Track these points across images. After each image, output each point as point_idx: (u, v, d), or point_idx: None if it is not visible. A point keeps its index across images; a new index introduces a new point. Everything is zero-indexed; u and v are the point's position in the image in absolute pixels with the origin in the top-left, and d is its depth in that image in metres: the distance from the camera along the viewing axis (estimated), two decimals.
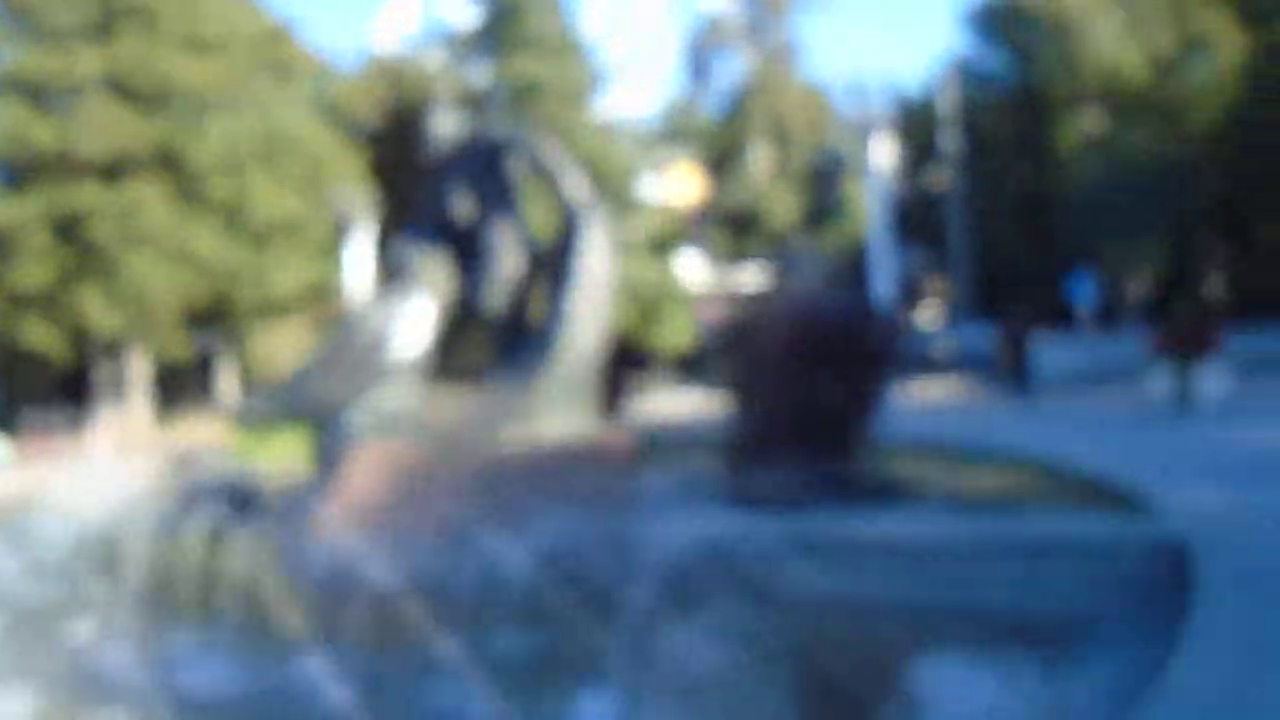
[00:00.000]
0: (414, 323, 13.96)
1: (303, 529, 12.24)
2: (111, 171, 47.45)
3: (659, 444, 19.47)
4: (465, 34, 66.09)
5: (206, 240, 46.89)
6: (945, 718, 6.99)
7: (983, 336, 51.86)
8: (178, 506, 11.52)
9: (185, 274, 46.75)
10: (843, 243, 64.18)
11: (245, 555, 10.69)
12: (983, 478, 14.44)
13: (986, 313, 61.88)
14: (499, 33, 62.62)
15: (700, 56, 74.43)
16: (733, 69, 73.62)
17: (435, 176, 15.46)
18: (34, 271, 46.28)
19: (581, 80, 62.83)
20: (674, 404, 41.54)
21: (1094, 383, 33.72)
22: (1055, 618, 8.27)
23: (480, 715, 7.28)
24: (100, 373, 51.06)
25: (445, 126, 15.56)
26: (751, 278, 60.11)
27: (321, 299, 33.62)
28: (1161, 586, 8.03)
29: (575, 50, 63.29)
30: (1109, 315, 55.57)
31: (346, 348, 13.99)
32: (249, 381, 50.07)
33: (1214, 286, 52.86)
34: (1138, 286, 53.72)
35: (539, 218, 15.47)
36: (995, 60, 65.61)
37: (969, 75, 65.17)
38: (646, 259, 59.87)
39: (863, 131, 32.56)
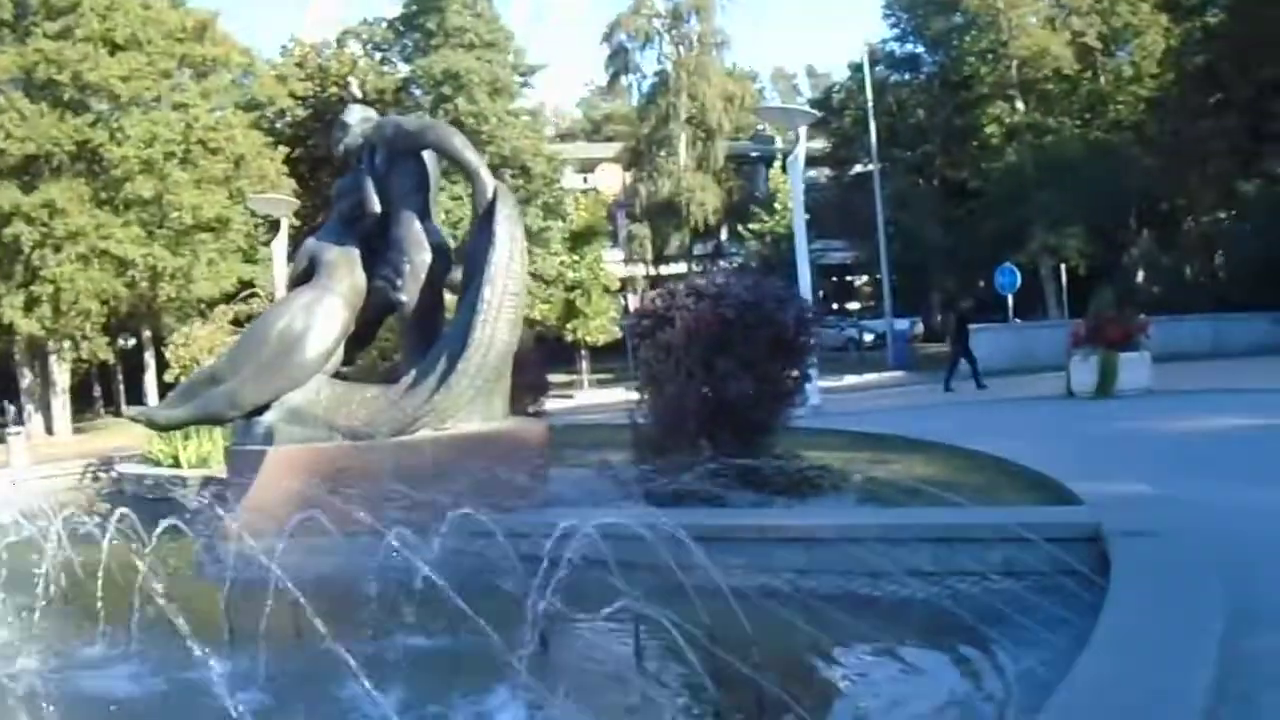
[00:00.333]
0: (324, 321, 13.82)
1: (215, 531, 12.14)
2: (30, 172, 46.81)
3: (576, 437, 19.48)
4: (388, 26, 66.04)
5: (128, 240, 46.18)
6: (847, 710, 6.97)
7: (908, 326, 52.50)
8: (94, 512, 11.30)
9: (107, 275, 46.03)
10: (770, 234, 64.36)
11: (158, 559, 10.46)
12: (901, 468, 14.43)
13: (913, 303, 62.43)
14: (422, 25, 62.54)
15: (622, 47, 74.31)
16: (655, 60, 73.63)
17: (345, 170, 15.31)
18: None
19: (505, 73, 62.72)
20: (598, 396, 41.56)
21: (1018, 373, 34.01)
22: (963, 608, 8.27)
23: (381, 714, 7.17)
24: (23, 377, 50.34)
25: (352, 118, 15.34)
26: (676, 269, 60.43)
27: (247, 298, 33.48)
28: (1074, 575, 8.05)
29: (498, 43, 63.18)
30: (1034, 305, 56.14)
31: (256, 348, 13.81)
32: (177, 382, 49.49)
33: (1137, 277, 53.32)
34: (1062, 276, 54.09)
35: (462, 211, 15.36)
36: (917, 49, 65.94)
37: (892, 64, 65.59)
38: (570, 251, 59.93)
39: (786, 121, 32.40)
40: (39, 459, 29.35)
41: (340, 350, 14.22)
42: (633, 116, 77.19)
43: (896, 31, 66.49)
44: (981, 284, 53.34)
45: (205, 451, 20.74)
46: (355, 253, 14.31)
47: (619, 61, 75.39)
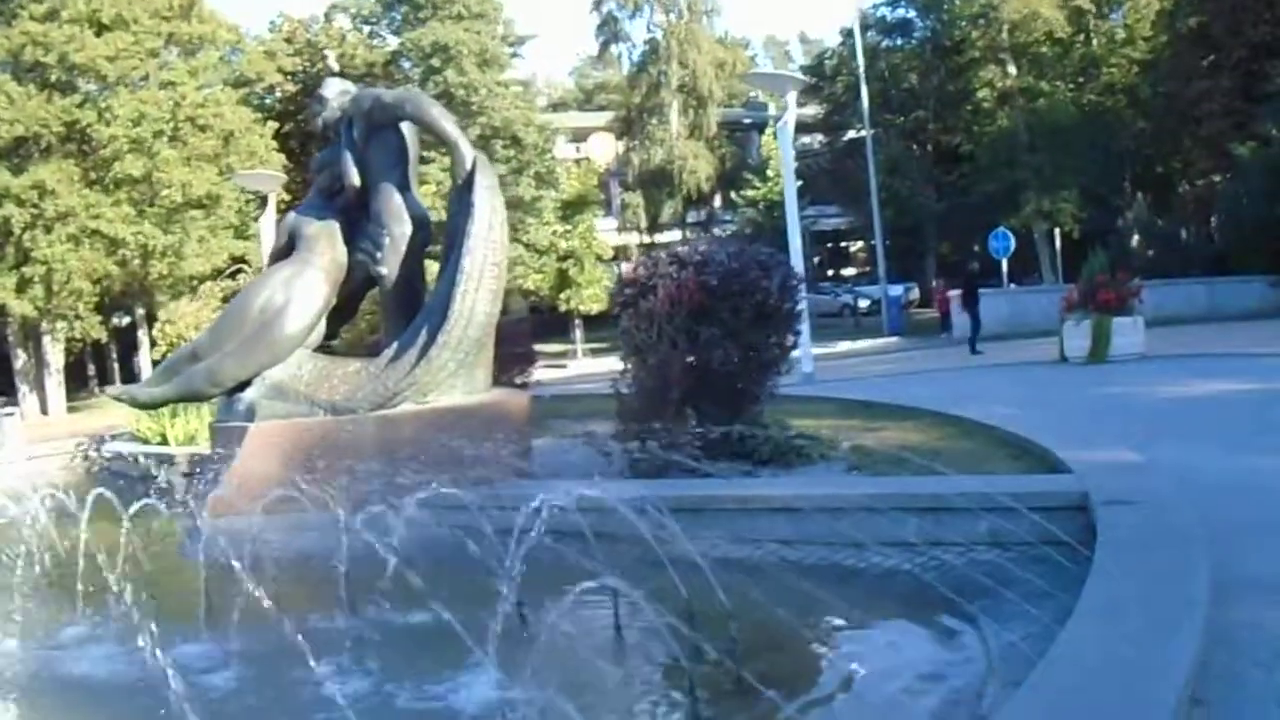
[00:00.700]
0: (304, 296, 13.69)
1: (198, 508, 11.99)
2: (19, 154, 46.90)
3: (566, 407, 19.36)
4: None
5: (118, 219, 46.28)
6: (825, 686, 6.83)
7: (902, 292, 52.37)
8: (82, 490, 11.20)
9: (98, 254, 46.20)
10: (763, 201, 64.16)
11: (141, 537, 10.38)
12: (889, 435, 14.29)
13: (908, 268, 62.30)
14: None
15: (611, 16, 74.03)
16: (644, 28, 73.34)
17: (325, 143, 15.16)
18: None
19: (494, 44, 62.49)
20: (592, 366, 41.48)
21: (1012, 338, 33.91)
22: (947, 580, 8.14)
23: (362, 689, 7.16)
24: (17, 358, 50.39)
25: (330, 91, 15.20)
26: (670, 237, 60.27)
27: (235, 274, 33.51)
28: (1060, 545, 7.89)
29: (487, 14, 62.91)
30: (1028, 270, 56.02)
31: (237, 324, 13.70)
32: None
33: (1132, 241, 53.13)
34: (1056, 241, 53.90)
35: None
36: (908, 14, 65.64)
37: (883, 29, 65.31)
38: (563, 221, 59.87)
39: (775, 87, 32.23)
40: (33, 439, 29.35)
41: (322, 324, 14.11)
42: (624, 85, 76.95)
43: None
44: (976, 249, 53.16)
45: (192, 429, 20.64)
46: (335, 226, 14.19)
47: (608, 30, 75.17)
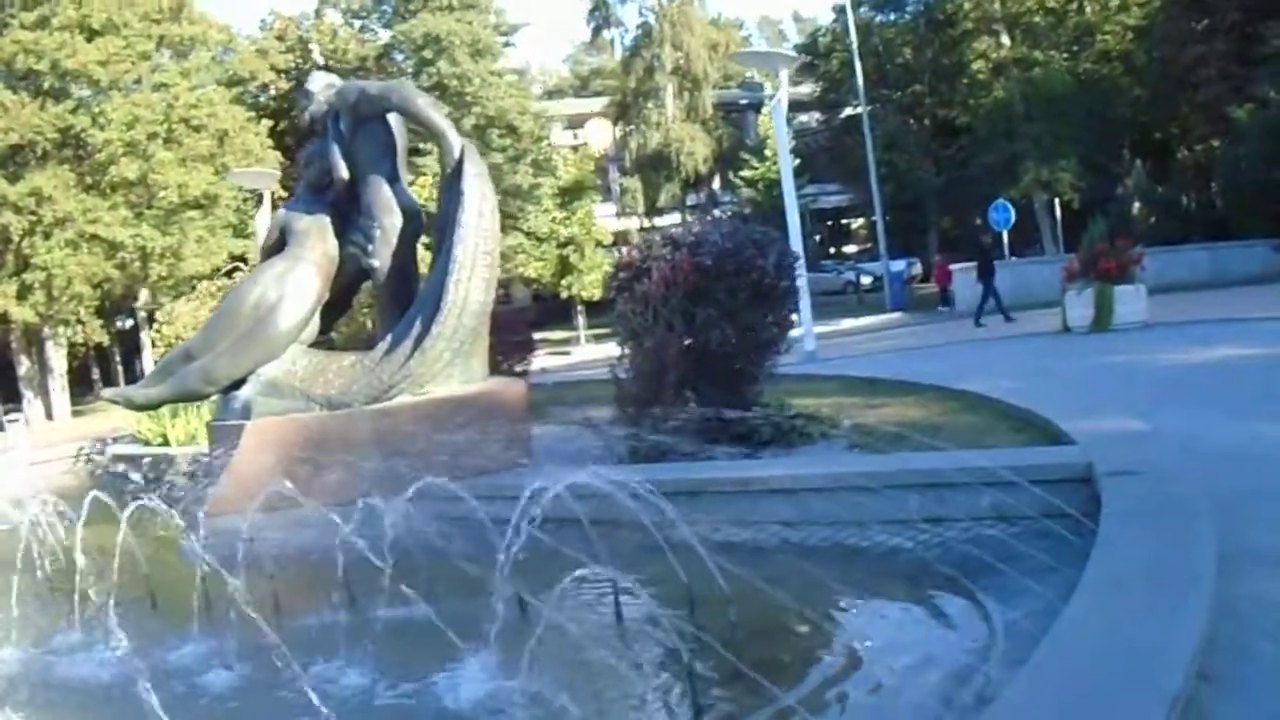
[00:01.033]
0: (297, 291, 13.58)
1: (197, 508, 11.90)
2: (15, 161, 46.92)
3: (566, 394, 19.26)
4: None
5: (116, 222, 46.31)
6: (830, 665, 6.71)
7: (904, 267, 52.23)
8: (83, 494, 11.16)
9: (97, 258, 46.26)
10: (762, 180, 63.94)
11: (138, 538, 10.29)
12: (892, 412, 14.18)
13: (910, 244, 62.18)
14: None
15: (601, 1, 73.96)
16: (636, 12, 73.29)
17: (314, 138, 15.03)
18: None
19: (486, 33, 62.36)
20: (596, 351, 41.38)
21: (1014, 309, 33.75)
22: (951, 556, 8.02)
23: (357, 686, 7.08)
24: (20, 364, 50.49)
25: (316, 85, 15.08)
26: (670, 220, 60.16)
27: (231, 273, 33.61)
28: (1065, 519, 7.76)
29: (478, 4, 62.80)
30: (1029, 241, 55.84)
31: (230, 322, 13.60)
32: None
33: (1133, 208, 52.94)
34: (1056, 211, 53.71)
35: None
36: None
37: (876, 4, 65.06)
38: (561, 207, 59.79)
39: (767, 66, 32.08)
40: (37, 444, 29.38)
41: (316, 320, 14.00)
42: (618, 70, 76.83)
43: None
44: (978, 222, 52.97)
45: (193, 429, 20.55)
46: (326, 220, 14.06)
47: (599, 15, 75.32)
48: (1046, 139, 52.24)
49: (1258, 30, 46.01)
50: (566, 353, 45.95)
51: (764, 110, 62.13)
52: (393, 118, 13.81)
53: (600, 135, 76.27)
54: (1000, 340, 27.14)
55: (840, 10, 60.79)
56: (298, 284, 13.62)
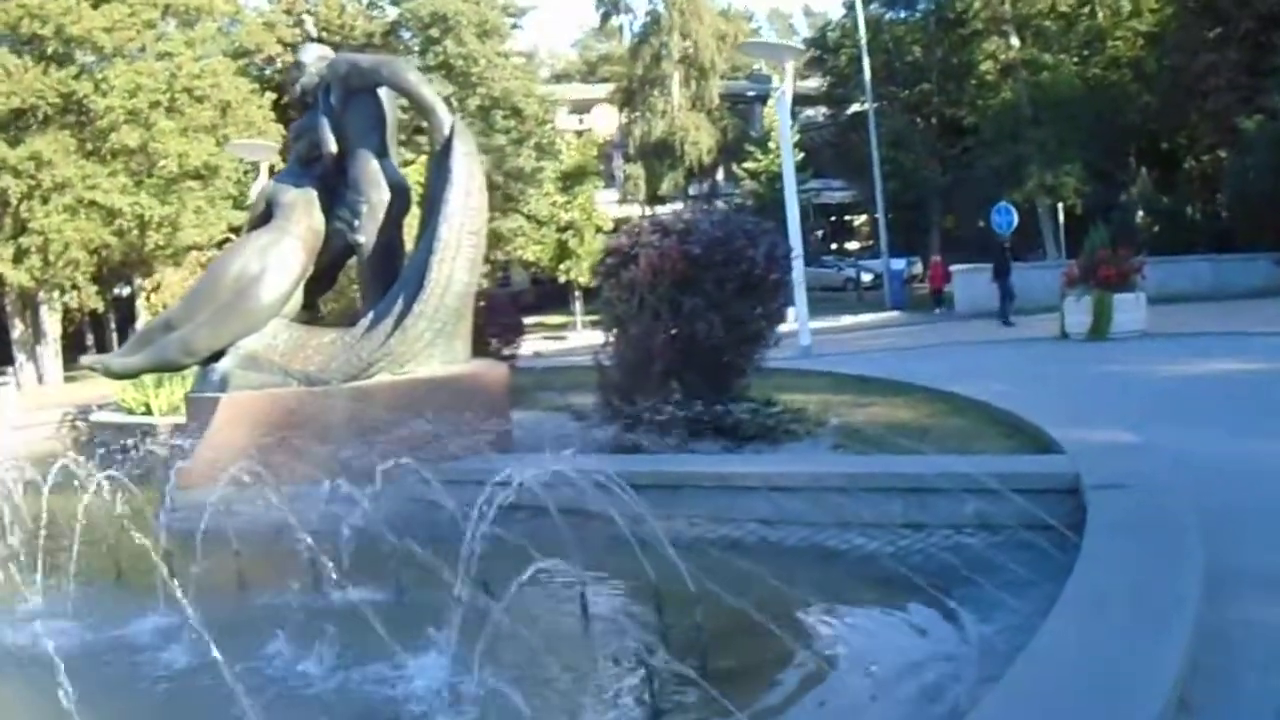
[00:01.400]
0: (280, 264, 13.38)
1: (171, 480, 11.70)
2: (16, 125, 46.83)
3: (555, 379, 19.07)
4: None
5: (115, 190, 46.17)
6: (795, 676, 6.45)
7: (904, 266, 52.06)
8: (66, 461, 11.05)
9: (94, 224, 46.10)
10: (765, 173, 63.72)
11: (112, 509, 10.12)
12: (880, 412, 13.98)
13: (911, 242, 61.98)
14: None
15: None
16: None
17: (304, 111, 14.81)
18: None
19: (494, 14, 62.14)
20: (592, 337, 41.17)
21: (1014, 313, 33.54)
22: (930, 565, 7.80)
23: (322, 669, 6.92)
24: (14, 327, 50.41)
25: (308, 57, 14.92)
26: (672, 209, 59.95)
27: (222, 244, 33.51)
28: (1049, 530, 7.52)
29: None
30: (1031, 246, 55.59)
31: (211, 293, 13.39)
32: None
33: (1137, 216, 52.67)
34: (1059, 216, 53.43)
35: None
36: None
37: (886, 1, 64.71)
38: (562, 192, 59.64)
39: (773, 57, 31.87)
40: (28, 408, 29.29)
41: (299, 293, 13.84)
42: (625, 57, 76.64)
43: None
44: (981, 224, 52.66)
45: (176, 399, 20.37)
46: (313, 194, 13.88)
47: (608, 1, 75.00)
48: (1052, 143, 51.95)
49: (1270, 40, 45.77)
50: (563, 337, 45.82)
51: (770, 102, 61.97)
52: (384, 93, 13.61)
53: (606, 121, 76.20)
54: (996, 344, 26.93)
55: (850, 6, 60.60)
56: (280, 257, 13.44)
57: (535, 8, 69.20)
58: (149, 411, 20.85)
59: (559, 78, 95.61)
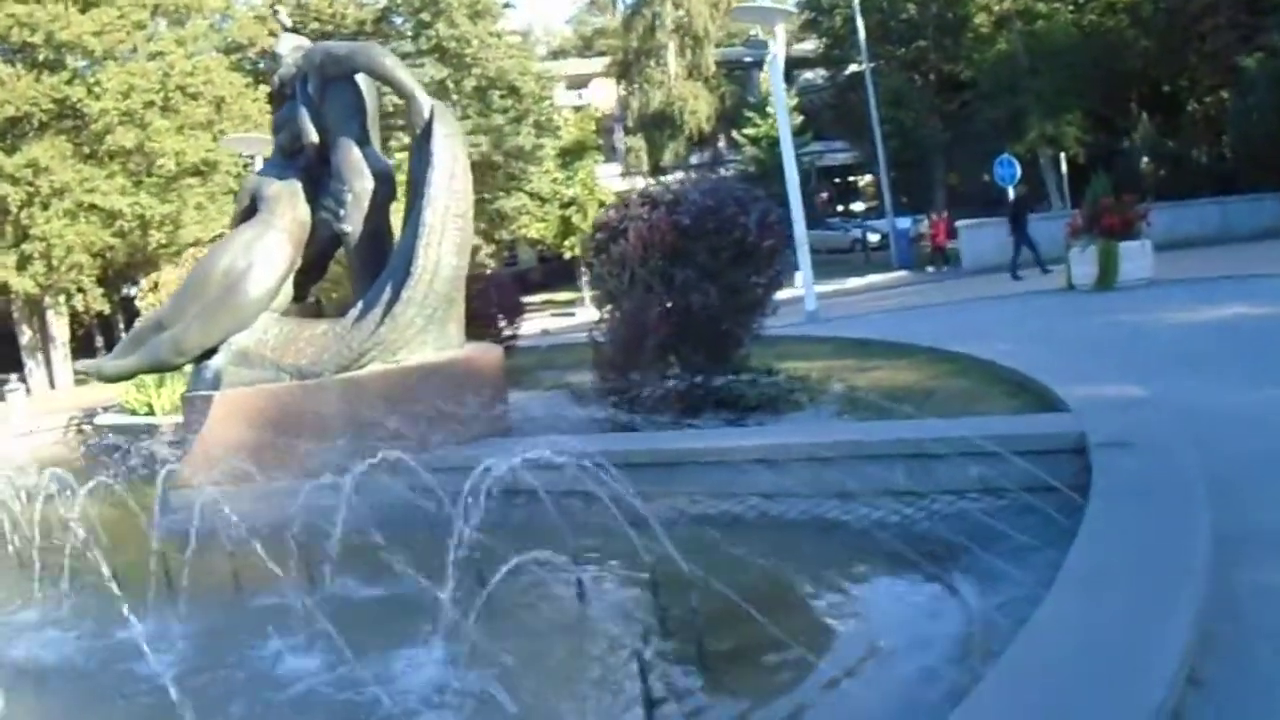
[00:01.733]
0: (266, 258, 13.21)
1: (166, 479, 11.56)
2: (13, 133, 46.85)
3: (558, 357, 18.91)
4: None
5: (114, 191, 46.15)
6: (790, 656, 6.25)
7: (910, 225, 51.75)
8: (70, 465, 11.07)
9: (94, 227, 46.09)
10: (765, 138, 63.44)
11: (107, 509, 10.41)
12: (884, 376, 13.78)
13: (917, 201, 61.67)
14: None
15: None
16: None
17: (285, 101, 14.60)
18: None
19: None
20: (594, 313, 40.97)
21: (1019, 266, 33.20)
22: (934, 533, 7.59)
23: (306, 667, 6.85)
24: (22, 334, 50.48)
25: (284, 48, 14.79)
26: (675, 179, 59.72)
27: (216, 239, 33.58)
28: (1055, 492, 7.28)
29: None
30: (1035, 197, 55.17)
31: (199, 291, 13.22)
32: None
33: (1142, 163, 52.28)
34: (1062, 166, 53.03)
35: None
36: None
37: None
38: (562, 168, 59.44)
39: (763, 20, 31.57)
40: (37, 412, 29.37)
41: (289, 287, 13.65)
42: (619, 29, 76.33)
43: None
44: (986, 178, 52.29)
45: (178, 398, 20.27)
46: (297, 185, 13.67)
47: None
48: (1050, 92, 51.54)
49: None
50: (571, 314, 45.70)
51: (765, 66, 61.72)
52: (362, 80, 13.42)
53: (604, 95, 76.00)
54: (1002, 299, 26.61)
55: None
56: (266, 251, 13.25)
57: None
58: (151, 412, 20.77)
59: (555, 54, 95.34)
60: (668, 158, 71.34)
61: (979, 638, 5.77)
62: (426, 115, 12.61)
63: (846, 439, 9.48)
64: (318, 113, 13.41)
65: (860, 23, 52.58)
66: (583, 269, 56.26)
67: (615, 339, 13.00)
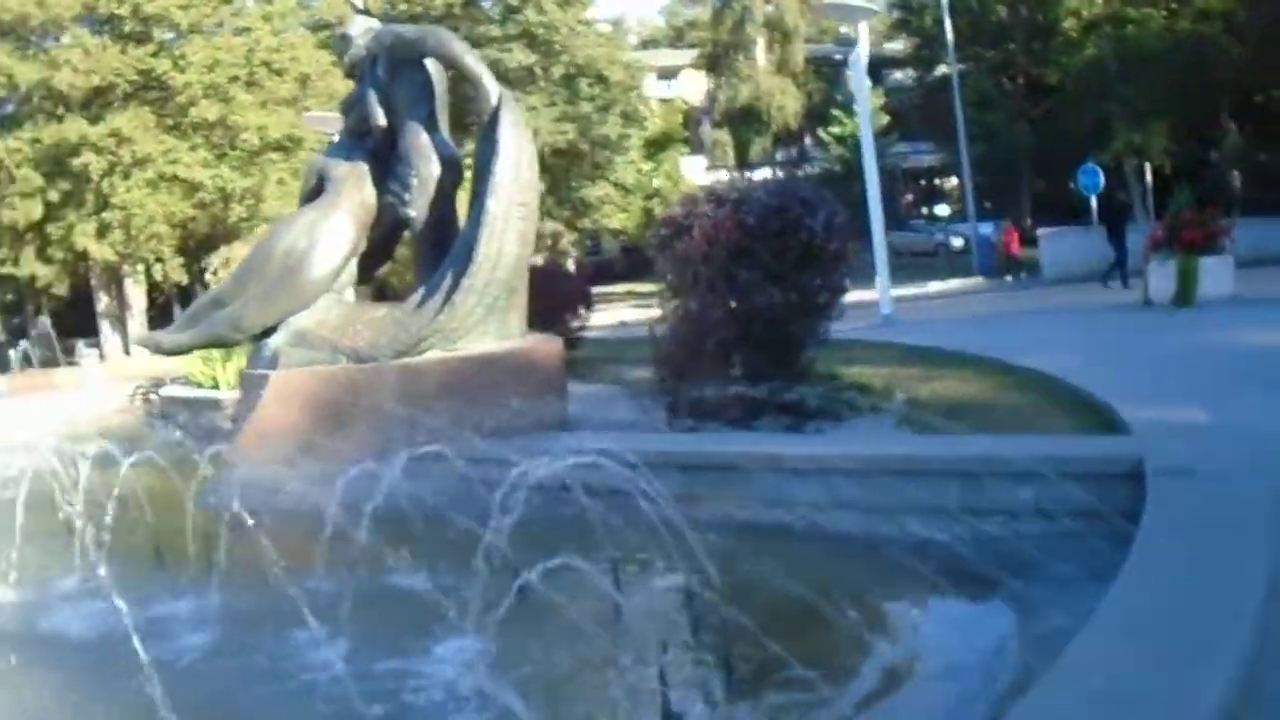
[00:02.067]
0: (329, 239, 13.16)
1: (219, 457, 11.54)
2: (96, 103, 47.45)
3: (626, 351, 18.77)
4: None
5: (196, 163, 46.72)
6: (824, 676, 6.07)
7: (992, 230, 51.19)
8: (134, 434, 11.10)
9: (175, 198, 46.59)
10: (850, 137, 63.05)
11: (153, 483, 10.30)
12: (948, 387, 13.57)
13: (1002, 205, 61.03)
14: None
15: None
16: None
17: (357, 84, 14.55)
18: (27, 206, 46.10)
19: None
20: None
21: (1098, 280, 32.57)
22: (982, 555, 7.36)
23: (333, 656, 6.67)
24: (99, 300, 51.06)
25: (355, 30, 14.77)
26: (761, 175, 59.46)
27: None
28: (1103, 521, 7.03)
29: None
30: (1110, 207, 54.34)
31: (260, 269, 13.20)
32: None
33: (1232, 176, 51.34)
34: (1147, 176, 52.22)
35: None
36: None
37: None
38: (647, 159, 59.28)
39: (847, 18, 31.32)
40: (113, 378, 29.68)
41: (352, 268, 13.65)
42: (710, 22, 75.96)
43: None
44: (1072, 185, 51.57)
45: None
46: (364, 168, 13.66)
47: None
48: (1138, 100, 50.63)
49: None
50: (651, 305, 45.59)
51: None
52: (432, 65, 13.39)
53: (694, 87, 75.80)
54: (1076, 311, 26.05)
55: None
56: (330, 233, 13.22)
57: None
58: (216, 385, 20.83)
59: (646, 44, 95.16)
60: (754, 153, 70.86)
61: (1005, 677, 5.57)
62: (494, 102, 12.55)
63: (899, 453, 9.31)
64: (387, 96, 13.39)
65: (949, 24, 52.01)
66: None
67: (676, 336, 12.88)
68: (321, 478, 9.89)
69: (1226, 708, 4.04)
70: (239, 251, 26.92)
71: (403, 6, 56.99)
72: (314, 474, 10.16)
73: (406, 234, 13.99)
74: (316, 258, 13.04)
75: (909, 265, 48.18)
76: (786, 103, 68.67)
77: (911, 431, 10.99)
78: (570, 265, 50.65)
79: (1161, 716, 3.94)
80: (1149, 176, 51.32)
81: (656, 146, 61.64)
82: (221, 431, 13.81)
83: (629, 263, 66.19)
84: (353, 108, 14.02)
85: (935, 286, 42.45)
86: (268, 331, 13.10)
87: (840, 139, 65.06)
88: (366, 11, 16.13)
